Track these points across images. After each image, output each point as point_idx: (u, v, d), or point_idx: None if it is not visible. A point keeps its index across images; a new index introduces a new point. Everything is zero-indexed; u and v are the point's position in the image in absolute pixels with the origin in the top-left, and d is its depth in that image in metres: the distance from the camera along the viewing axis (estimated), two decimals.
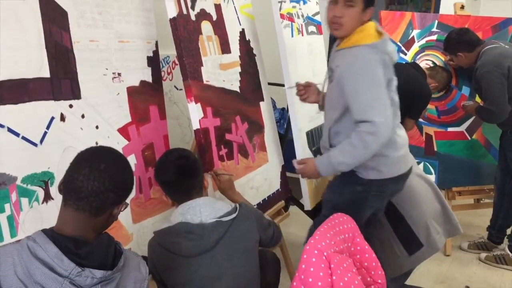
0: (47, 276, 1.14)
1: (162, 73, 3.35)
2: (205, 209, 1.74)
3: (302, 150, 2.79)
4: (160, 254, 1.69)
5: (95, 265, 1.20)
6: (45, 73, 1.65)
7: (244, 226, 1.81)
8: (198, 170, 1.87)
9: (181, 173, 1.80)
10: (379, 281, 1.73)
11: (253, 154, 2.60)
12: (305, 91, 2.30)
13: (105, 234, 1.28)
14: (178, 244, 1.68)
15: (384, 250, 2.47)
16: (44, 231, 1.20)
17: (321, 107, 2.33)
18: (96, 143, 1.84)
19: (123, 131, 1.98)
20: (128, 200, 1.96)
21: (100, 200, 1.24)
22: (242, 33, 2.65)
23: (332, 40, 2.77)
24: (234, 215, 1.78)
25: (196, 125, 2.17)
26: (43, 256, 1.15)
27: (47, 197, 1.62)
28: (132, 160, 2.02)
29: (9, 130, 1.52)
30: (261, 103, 2.75)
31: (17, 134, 1.55)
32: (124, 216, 1.96)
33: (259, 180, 2.64)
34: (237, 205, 1.86)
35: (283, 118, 3.75)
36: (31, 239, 1.18)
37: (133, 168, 1.99)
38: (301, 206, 3.06)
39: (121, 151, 1.94)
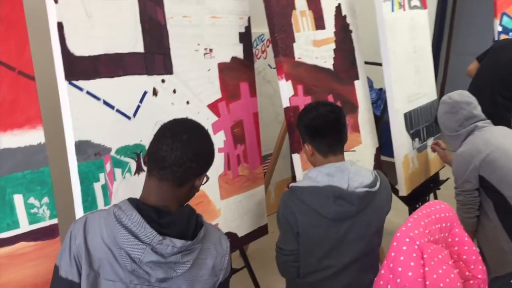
0: (130, 242, 1.16)
1: (256, 51, 3.35)
2: (354, 175, 1.70)
3: (399, 132, 2.64)
4: (304, 211, 1.70)
5: (176, 234, 1.20)
6: (140, 48, 1.69)
7: (384, 195, 1.80)
8: (346, 125, 1.83)
9: (336, 123, 1.75)
10: (479, 276, 1.57)
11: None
12: None
13: (187, 205, 1.29)
14: (327, 207, 1.67)
15: (489, 244, 2.27)
16: (130, 200, 1.23)
17: None
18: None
19: (213, 107, 1.98)
20: (215, 176, 2.02)
21: (183, 170, 1.24)
22: (338, 8, 2.53)
23: None
24: (378, 185, 1.75)
25: (286, 103, 2.12)
26: (127, 223, 1.18)
27: (139, 168, 1.68)
28: (221, 136, 2.02)
29: (105, 102, 1.58)
30: (355, 82, 2.63)
31: (112, 107, 1.60)
32: (212, 192, 1.98)
33: None
34: (376, 173, 1.81)
35: (380, 99, 3.58)
36: (117, 207, 1.21)
37: (222, 145, 2.02)
38: (395, 192, 2.91)
39: (210, 127, 1.97)
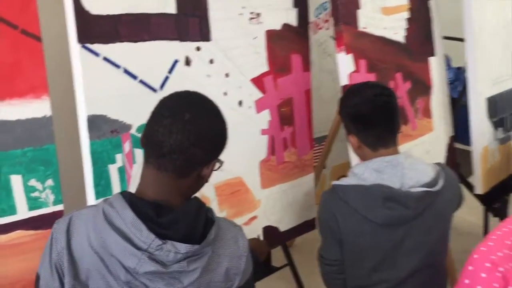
0: (122, 248, 0.93)
1: (318, 21, 3.01)
2: (409, 171, 1.39)
3: (479, 119, 2.26)
4: (347, 214, 1.42)
5: (180, 237, 0.96)
6: (171, 8, 1.44)
7: (449, 194, 1.46)
8: (399, 111, 1.48)
9: (383, 112, 1.42)
10: None
11: (414, 120, 2.15)
12: None
13: (194, 199, 1.03)
14: (375, 210, 1.38)
15: None
16: (124, 194, 0.99)
17: None
18: (225, 93, 1.61)
19: (258, 81, 1.71)
20: (256, 162, 1.76)
21: (185, 157, 0.99)
22: None
23: None
24: (442, 183, 1.42)
25: (344, 80, 1.81)
26: (119, 223, 0.95)
27: None
28: (265, 116, 1.75)
29: (126, 71, 1.35)
30: (430, 58, 2.26)
31: (134, 77, 1.38)
32: (252, 180, 1.73)
33: (419, 152, 2.19)
34: (440, 167, 1.47)
35: (458, 79, 3.16)
36: (107, 203, 0.98)
37: (266, 126, 1.75)
38: (470, 187, 2.52)
39: (253, 104, 1.70)
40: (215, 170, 1.12)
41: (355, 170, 1.43)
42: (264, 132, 1.76)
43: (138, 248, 0.93)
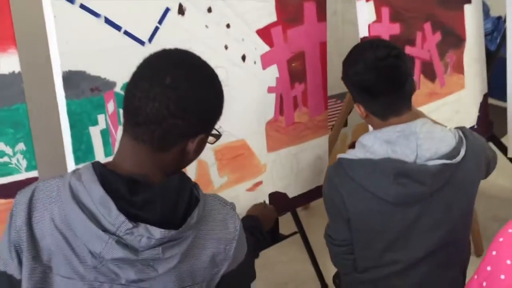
0: (87, 229, 0.81)
1: None
2: (424, 141, 1.21)
3: None
4: (352, 191, 1.26)
5: (156, 218, 0.83)
6: None
7: (472, 164, 1.27)
8: (410, 73, 1.29)
9: (391, 79, 1.23)
10: None
11: (443, 76, 1.93)
12: None
13: (177, 175, 0.89)
14: (385, 187, 1.21)
15: None
16: (95, 164, 0.86)
17: None
18: (225, 47, 1.44)
19: (264, 33, 1.52)
20: (262, 123, 1.60)
21: (163, 128, 0.84)
22: None
23: None
24: (463, 153, 1.23)
25: (364, 32, 1.61)
26: (87, 201, 0.82)
27: None
28: (272, 72, 1.57)
29: (107, 21, 1.19)
30: (466, 6, 2.01)
31: (117, 28, 1.21)
32: (256, 142, 1.58)
33: (448, 112, 1.99)
34: (461, 134, 1.28)
35: (497, 30, 2.86)
36: (76, 175, 0.85)
37: (274, 83, 1.58)
38: (503, 149, 2.30)
39: (258, 59, 1.52)
40: (212, 143, 0.97)
41: (363, 141, 1.26)
42: (270, 90, 1.58)
43: (105, 230, 0.81)
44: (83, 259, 0.84)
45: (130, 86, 0.87)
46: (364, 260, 1.33)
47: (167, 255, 0.84)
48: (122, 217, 0.81)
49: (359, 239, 1.31)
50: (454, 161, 1.20)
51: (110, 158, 1.21)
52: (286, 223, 1.94)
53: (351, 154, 1.28)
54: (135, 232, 0.81)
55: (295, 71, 1.64)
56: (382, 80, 1.21)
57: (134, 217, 0.82)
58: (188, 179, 0.91)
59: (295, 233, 1.85)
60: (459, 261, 1.36)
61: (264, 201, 1.58)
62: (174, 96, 0.83)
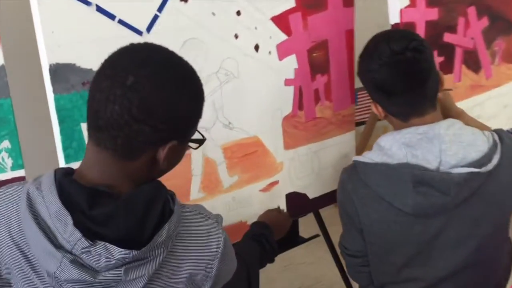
0: (41, 246, 0.72)
1: None
2: (450, 146, 1.06)
3: None
4: (366, 199, 1.13)
5: (119, 235, 0.73)
6: None
7: (508, 174, 1.10)
8: (434, 67, 1.12)
9: (410, 76, 1.08)
10: None
11: (490, 66, 1.73)
12: None
13: (149, 185, 0.79)
14: (402, 197, 1.07)
15: None
16: (57, 172, 0.77)
17: None
18: (236, 36, 1.32)
19: (281, 20, 1.39)
20: (278, 118, 1.47)
21: (126, 134, 0.74)
22: None
23: None
24: (496, 160, 1.06)
25: (395, 18, 1.44)
26: (45, 214, 0.73)
27: None
28: (291, 63, 1.44)
29: (99, 9, 1.10)
30: None
31: (111, 16, 1.12)
32: (272, 139, 1.45)
33: (494, 107, 1.78)
34: (497, 138, 1.10)
35: None
36: (35, 183, 0.77)
37: (292, 75, 1.44)
38: None
39: (274, 49, 1.39)
40: (194, 148, 0.87)
41: (381, 143, 1.11)
42: (288, 82, 1.45)
43: (60, 247, 0.72)
44: (42, 276, 0.76)
45: (91, 86, 0.77)
46: (381, 275, 1.19)
47: (130, 277, 0.74)
48: (78, 234, 0.72)
49: (374, 252, 1.17)
50: (483, 169, 1.03)
51: None
52: (308, 223, 1.83)
53: (366, 157, 1.14)
54: (92, 251, 0.72)
55: (316, 62, 1.49)
56: (399, 78, 1.06)
57: (94, 234, 0.73)
58: (163, 188, 0.81)
59: (316, 236, 1.72)
60: (492, 284, 1.19)
61: (279, 207, 1.46)
62: (137, 98, 0.73)
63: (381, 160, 1.10)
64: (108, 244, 0.72)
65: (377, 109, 1.14)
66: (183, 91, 0.77)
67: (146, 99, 0.73)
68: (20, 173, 1.09)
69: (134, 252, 0.73)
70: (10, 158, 1.07)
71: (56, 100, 1.08)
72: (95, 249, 0.72)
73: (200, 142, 0.86)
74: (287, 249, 1.60)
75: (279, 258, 1.65)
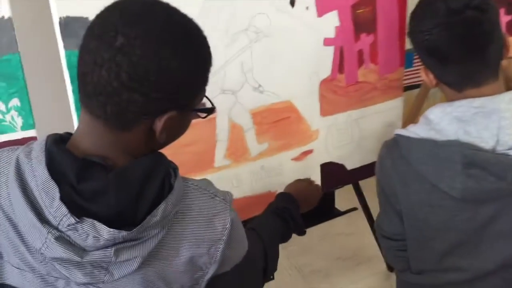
0: (27, 219, 0.66)
1: None
2: (511, 123, 0.91)
3: None
4: (407, 178, 1.00)
5: (110, 213, 0.66)
6: None
7: None
8: (498, 29, 0.95)
9: (469, 40, 0.92)
10: None
11: None
12: None
13: (150, 156, 0.70)
14: (450, 179, 0.94)
15: None
16: (48, 139, 0.69)
17: None
18: None
19: None
20: (315, 83, 1.34)
21: (116, 103, 0.65)
22: None
23: None
24: None
25: None
26: (33, 185, 0.66)
27: None
28: (331, 21, 1.29)
29: None
30: None
31: None
32: (306, 105, 1.33)
33: None
34: None
35: None
36: (26, 150, 0.69)
37: (332, 34, 1.30)
38: None
39: (312, 4, 1.25)
40: (204, 118, 0.77)
41: (429, 115, 0.96)
42: (328, 42, 1.31)
43: (47, 222, 0.66)
44: (34, 251, 0.70)
45: (81, 44, 0.68)
46: (419, 261, 1.07)
47: (122, 258, 0.67)
48: (63, 209, 0.65)
49: (413, 236, 1.05)
50: None
51: None
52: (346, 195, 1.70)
53: (410, 131, 1.00)
54: (79, 229, 0.65)
55: (361, 19, 1.34)
56: (457, 41, 0.90)
57: (83, 210, 0.66)
58: (164, 161, 0.72)
59: (353, 209, 1.60)
60: None
61: (310, 178, 1.35)
62: (126, 63, 0.63)
63: (428, 135, 0.95)
64: (96, 222, 0.65)
65: (427, 76, 0.98)
66: (183, 55, 0.66)
67: (137, 63, 0.63)
68: (31, 133, 1.04)
69: (124, 233, 0.65)
70: (20, 117, 1.02)
71: (68, 56, 1.00)
72: (82, 226, 0.65)
73: (209, 111, 0.76)
74: (321, 222, 1.50)
75: (316, 227, 1.56)
